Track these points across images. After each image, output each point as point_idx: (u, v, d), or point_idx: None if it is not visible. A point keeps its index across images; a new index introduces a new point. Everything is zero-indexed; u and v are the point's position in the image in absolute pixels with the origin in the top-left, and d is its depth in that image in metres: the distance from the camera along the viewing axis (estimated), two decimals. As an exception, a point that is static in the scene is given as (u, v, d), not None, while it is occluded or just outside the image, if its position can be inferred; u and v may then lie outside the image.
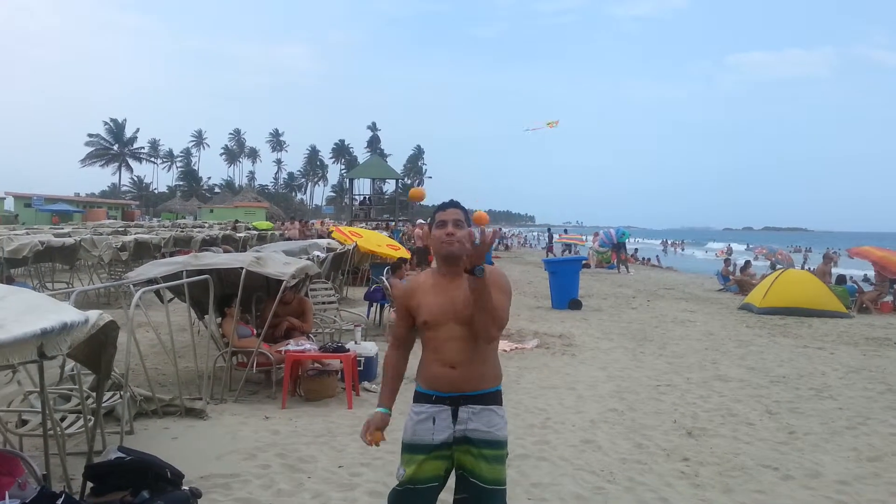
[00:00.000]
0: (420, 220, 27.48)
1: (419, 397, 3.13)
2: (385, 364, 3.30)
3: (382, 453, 5.68)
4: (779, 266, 26.93)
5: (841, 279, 18.53)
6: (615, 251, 30.94)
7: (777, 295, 16.01)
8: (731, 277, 22.85)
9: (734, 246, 66.76)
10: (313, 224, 39.22)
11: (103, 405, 5.28)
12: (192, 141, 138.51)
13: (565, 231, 42.45)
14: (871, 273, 19.49)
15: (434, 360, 3.06)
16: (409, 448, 3.06)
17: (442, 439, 3.01)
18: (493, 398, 3.09)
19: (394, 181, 52.97)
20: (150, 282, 7.20)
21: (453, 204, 3.20)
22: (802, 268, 26.93)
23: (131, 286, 6.90)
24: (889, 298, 17.64)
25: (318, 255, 13.18)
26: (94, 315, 3.53)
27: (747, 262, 24.89)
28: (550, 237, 44.07)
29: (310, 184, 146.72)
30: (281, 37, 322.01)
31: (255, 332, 8.04)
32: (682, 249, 73.74)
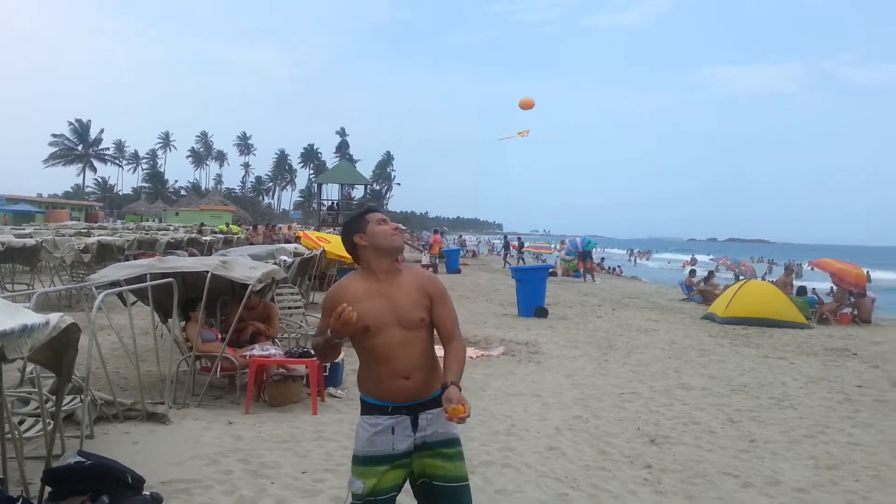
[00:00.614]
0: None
1: (371, 409, 3.05)
2: (314, 344, 3.16)
3: (347, 459, 5.63)
4: (742, 277, 27.36)
5: (801, 290, 18.84)
6: (581, 260, 31.14)
7: (739, 305, 16.21)
8: (694, 287, 23.12)
9: (698, 257, 67.67)
10: (280, 228, 39.00)
11: (63, 409, 5.18)
12: (159, 143, 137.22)
13: (519, 239, 42.50)
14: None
15: (384, 372, 2.99)
16: (368, 460, 2.99)
17: (403, 448, 3.00)
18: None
19: (362, 187, 52.87)
20: (113, 284, 7.10)
21: (380, 207, 3.33)
22: (764, 279, 27.31)
23: (94, 288, 6.80)
24: (848, 310, 17.96)
25: (284, 260, 13.08)
26: (55, 318, 3.48)
27: (710, 273, 25.22)
28: (507, 244, 44.15)
29: (278, 188, 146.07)
30: (252, 40, 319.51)
31: (219, 336, 7.96)
32: (648, 259, 74.49)
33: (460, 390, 2.88)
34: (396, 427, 2.99)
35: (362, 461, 3.00)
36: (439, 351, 3.07)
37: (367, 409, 3.07)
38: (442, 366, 3.09)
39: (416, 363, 2.99)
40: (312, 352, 3.20)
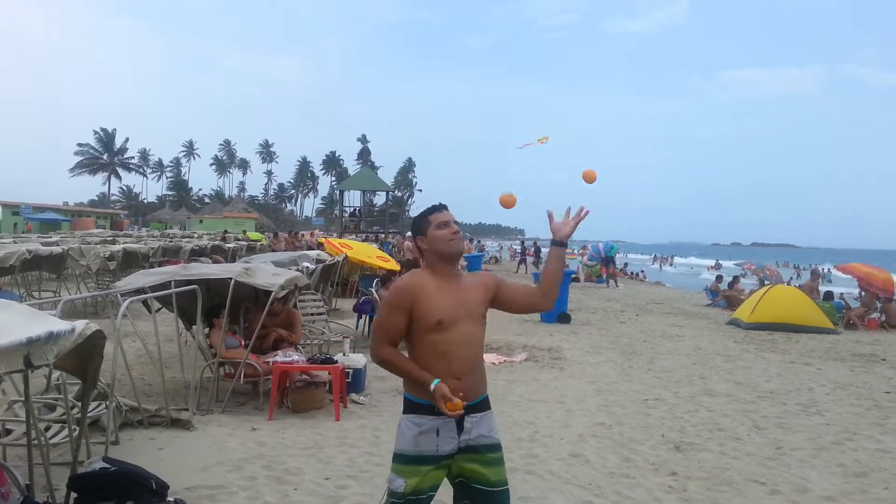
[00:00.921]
0: (410, 234, 27.45)
1: (417, 408, 3.03)
2: (386, 356, 3.07)
3: (370, 465, 5.67)
4: (767, 281, 27.07)
5: (829, 295, 18.61)
6: (604, 265, 30.99)
7: (765, 310, 16.07)
8: (719, 293, 22.93)
9: (722, 262, 67.19)
10: (303, 235, 39.18)
11: (88, 415, 5.23)
12: (183, 151, 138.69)
13: (535, 244, 42.49)
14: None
15: (437, 371, 2.97)
16: (413, 460, 2.98)
17: (447, 450, 3.00)
18: (487, 402, 3.16)
19: (384, 193, 53.01)
20: (138, 291, 7.16)
21: (445, 206, 3.26)
22: (790, 284, 27.03)
23: (119, 296, 6.86)
24: (876, 315, 17.74)
25: (307, 267, 13.14)
26: (80, 324, 3.50)
27: (736, 278, 24.97)
28: (524, 251, 43.85)
29: (300, 195, 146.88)
30: (273, 47, 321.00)
31: (242, 343, 8.00)
32: (671, 265, 74.03)
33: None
34: (441, 428, 2.99)
35: (408, 460, 3.00)
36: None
37: (413, 408, 3.05)
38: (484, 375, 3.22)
39: (470, 365, 3.04)
40: (377, 361, 3.14)
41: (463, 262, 30.48)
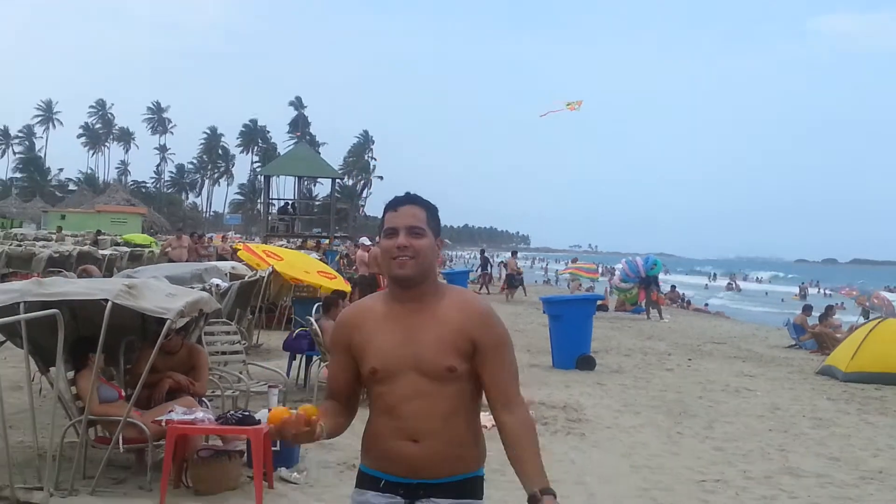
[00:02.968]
0: (364, 239, 27.31)
1: (363, 480, 3.10)
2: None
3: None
4: (874, 314, 27.29)
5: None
6: (643, 288, 31.09)
7: (871, 355, 16.14)
8: (807, 329, 23.06)
9: (811, 286, 67.80)
10: (211, 239, 39.07)
11: None
12: (38, 116, 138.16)
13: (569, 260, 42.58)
14: None
15: (387, 428, 3.00)
16: None
17: None
18: (470, 488, 3.08)
19: (329, 181, 52.93)
20: (-28, 317, 7.11)
21: (409, 199, 3.15)
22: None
23: (-56, 323, 6.80)
24: None
25: (217, 285, 13.11)
26: None
27: (830, 308, 25.14)
28: (485, 261, 43.97)
29: (207, 182, 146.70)
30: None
31: (122, 393, 7.95)
32: (738, 289, 74.60)
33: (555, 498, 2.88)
34: None
35: None
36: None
37: (360, 480, 3.13)
38: (482, 439, 3.16)
39: (433, 425, 2.97)
40: None
41: (441, 280, 30.56)
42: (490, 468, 8.37)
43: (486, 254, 46.26)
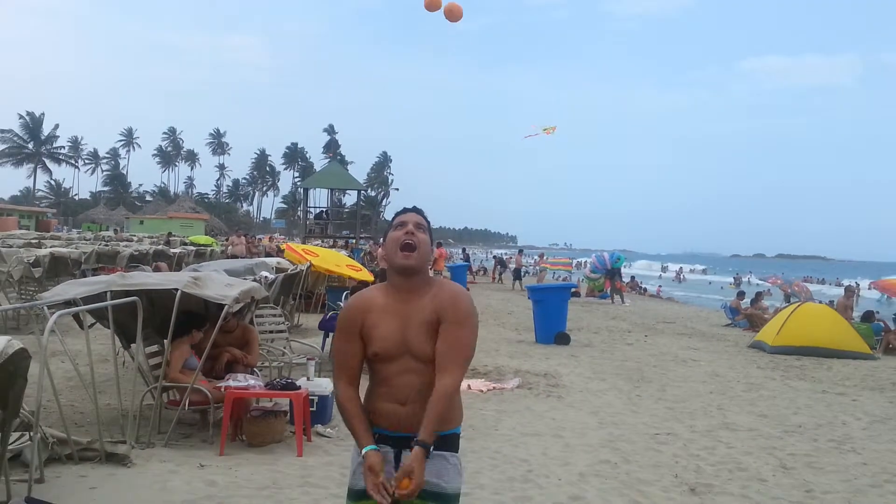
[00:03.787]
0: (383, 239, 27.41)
1: None
2: (340, 400, 3.11)
3: (337, 509, 5.63)
4: (795, 299, 27.26)
5: (868, 316, 18.75)
6: (609, 278, 31.11)
7: (792, 332, 16.16)
8: (740, 311, 23.07)
9: (744, 275, 67.67)
10: (261, 240, 39.10)
11: (9, 448, 5.17)
12: (121, 140, 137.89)
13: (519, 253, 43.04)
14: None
15: (381, 394, 3.04)
16: (353, 495, 3.07)
17: None
18: (448, 442, 3.05)
19: (355, 192, 52.92)
20: (68, 303, 7.10)
21: (415, 209, 3.24)
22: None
23: (45, 308, 6.80)
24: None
25: (265, 277, 13.10)
26: (1, 342, 3.47)
27: (759, 294, 25.16)
28: (467, 258, 45.57)
29: (257, 193, 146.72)
30: (227, 25, 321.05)
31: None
32: (680, 280, 74.44)
33: (428, 454, 2.86)
34: None
35: (349, 495, 3.10)
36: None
37: None
38: (460, 404, 3.13)
39: (419, 392, 2.97)
40: (337, 404, 3.14)
41: (446, 273, 30.58)
42: (487, 425, 8.40)
43: (466, 251, 49.26)
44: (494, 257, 52.71)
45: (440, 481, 2.99)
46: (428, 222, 3.22)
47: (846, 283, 33.91)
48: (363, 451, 2.93)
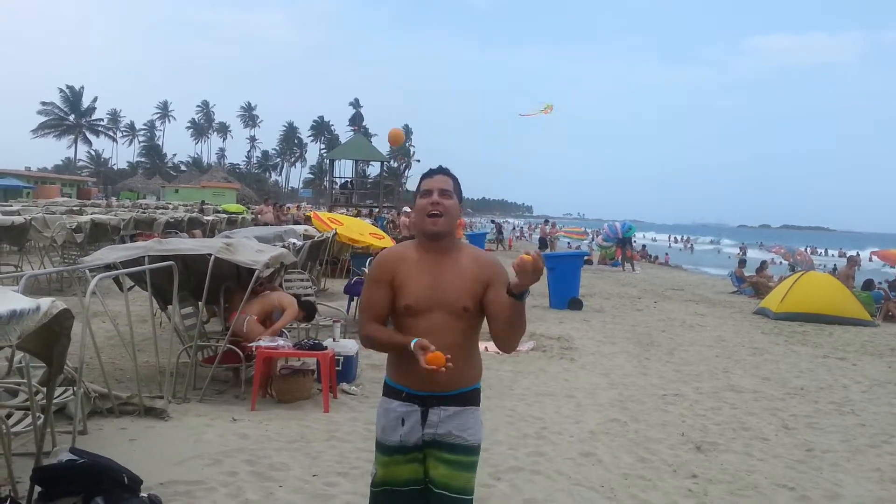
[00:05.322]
0: (406, 208, 27.35)
1: (389, 391, 3.11)
2: (369, 334, 3.06)
3: (361, 462, 5.69)
4: (798, 268, 27.05)
5: (868, 284, 18.59)
6: (620, 247, 30.97)
7: (796, 299, 16.09)
8: (745, 279, 22.94)
9: (749, 245, 67.15)
10: (289, 208, 39.13)
11: (54, 402, 5.24)
12: (157, 113, 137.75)
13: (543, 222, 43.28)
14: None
15: (409, 352, 2.96)
16: (382, 448, 3.08)
17: (412, 442, 3.01)
18: (470, 398, 3.08)
19: (379, 163, 52.78)
20: (108, 267, 7.15)
21: (441, 170, 3.17)
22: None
23: (87, 271, 6.86)
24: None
25: (294, 243, 13.11)
26: (46, 303, 3.50)
27: (764, 263, 24.98)
28: (500, 229, 46.08)
29: (286, 164, 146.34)
30: (255, 2, 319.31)
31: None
32: (690, 249, 73.96)
33: (521, 298, 2.83)
34: (406, 418, 3.01)
35: (378, 448, 3.10)
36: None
37: (386, 390, 3.13)
38: (480, 361, 3.15)
39: (445, 351, 2.90)
40: (363, 341, 3.12)
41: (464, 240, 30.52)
42: (503, 385, 8.42)
43: (494, 222, 48.41)
44: (492, 222, 53.09)
45: (464, 434, 3.01)
46: (455, 180, 3.16)
47: (849, 253, 33.49)
48: (412, 344, 2.88)
